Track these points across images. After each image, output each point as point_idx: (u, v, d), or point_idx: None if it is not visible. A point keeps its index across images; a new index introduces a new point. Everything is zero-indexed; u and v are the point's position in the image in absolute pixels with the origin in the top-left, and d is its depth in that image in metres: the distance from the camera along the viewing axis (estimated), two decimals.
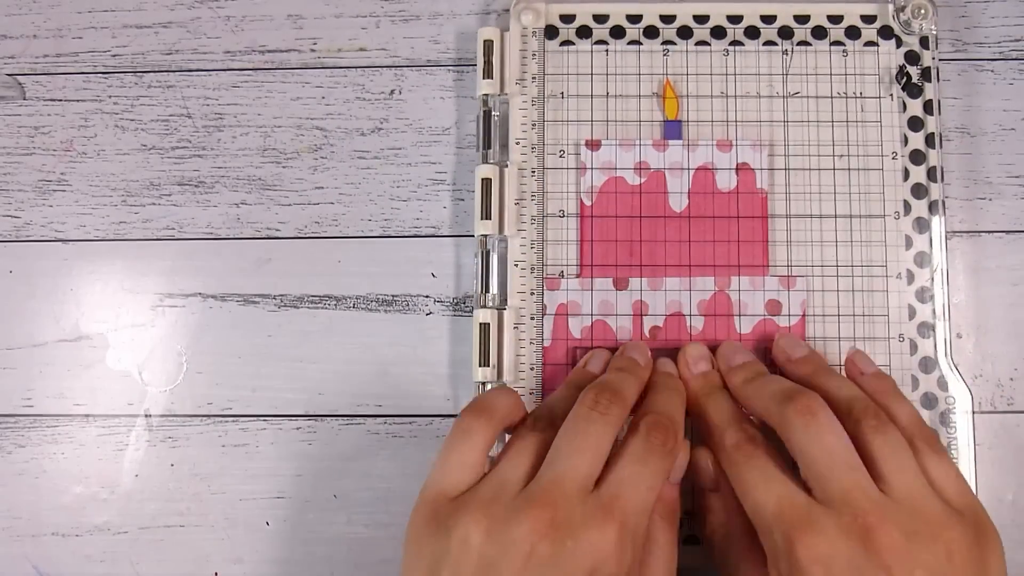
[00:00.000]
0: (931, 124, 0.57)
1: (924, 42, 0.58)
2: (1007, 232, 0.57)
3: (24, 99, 0.59)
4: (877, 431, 0.44)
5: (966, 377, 0.56)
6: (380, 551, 0.55)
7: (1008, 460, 0.56)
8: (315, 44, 0.59)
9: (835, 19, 0.58)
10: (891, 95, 0.57)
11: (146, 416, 0.56)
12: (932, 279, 0.55)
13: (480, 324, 0.55)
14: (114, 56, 0.59)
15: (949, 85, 0.59)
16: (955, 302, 0.57)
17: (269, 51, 0.59)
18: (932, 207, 0.56)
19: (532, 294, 0.56)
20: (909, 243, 0.56)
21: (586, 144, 0.57)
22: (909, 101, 0.57)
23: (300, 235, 0.57)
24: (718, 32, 0.58)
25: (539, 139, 0.58)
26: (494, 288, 0.56)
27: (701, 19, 0.58)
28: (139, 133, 0.58)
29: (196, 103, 0.59)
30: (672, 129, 0.57)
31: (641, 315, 0.55)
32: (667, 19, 0.58)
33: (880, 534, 0.41)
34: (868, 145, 0.57)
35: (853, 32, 0.58)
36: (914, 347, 0.55)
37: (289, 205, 0.57)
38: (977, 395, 0.56)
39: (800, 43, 0.58)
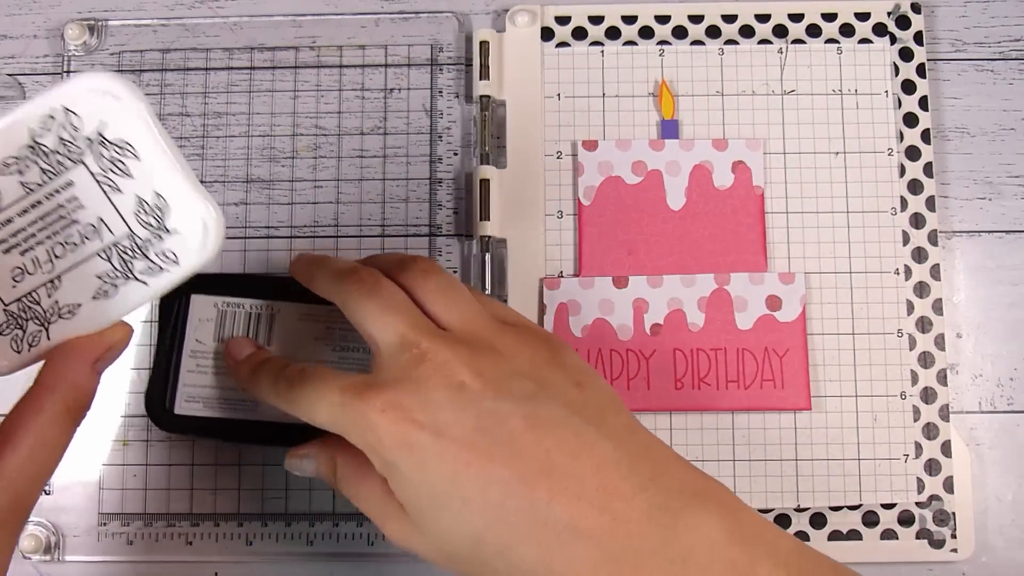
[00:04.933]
0: (926, 120, 0.60)
1: (918, 38, 0.61)
2: (1007, 232, 0.60)
3: (24, 99, 0.62)
4: (425, 275, 0.46)
5: (966, 377, 0.59)
6: None
7: (1008, 460, 0.58)
8: (314, 43, 0.61)
9: (829, 16, 0.61)
10: (886, 92, 0.60)
11: (147, 416, 0.58)
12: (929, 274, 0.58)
13: None
14: (113, 56, 0.61)
15: (949, 85, 0.61)
16: (955, 302, 0.59)
17: (268, 50, 0.61)
18: (928, 203, 0.59)
19: (532, 294, 0.59)
20: (906, 239, 0.59)
21: (583, 144, 0.60)
22: (904, 97, 0.60)
23: (299, 234, 0.59)
24: (712, 31, 0.61)
25: (536, 140, 0.60)
26: (494, 289, 0.58)
27: (696, 19, 0.61)
28: None
29: (195, 102, 0.61)
30: (668, 128, 0.60)
31: (641, 313, 0.58)
32: (662, 19, 0.61)
33: (431, 356, 0.42)
34: (863, 141, 0.60)
35: (847, 29, 0.61)
36: (912, 342, 0.58)
37: (288, 204, 0.60)
38: (977, 395, 0.59)
39: (794, 41, 0.61)
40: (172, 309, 0.54)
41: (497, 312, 0.47)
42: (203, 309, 0.54)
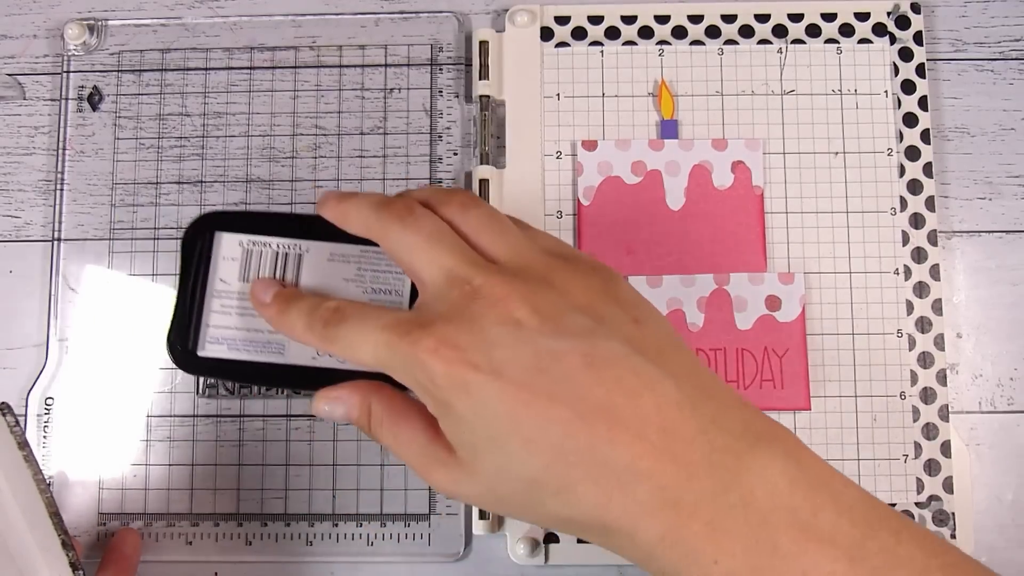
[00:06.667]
0: (926, 120, 0.60)
1: (918, 38, 0.61)
2: (1007, 232, 0.60)
3: (24, 99, 0.62)
4: (465, 209, 0.44)
5: (966, 377, 0.59)
6: None
7: (1008, 460, 0.58)
8: (314, 43, 0.62)
9: (829, 16, 0.61)
10: (885, 92, 0.60)
11: (147, 416, 0.58)
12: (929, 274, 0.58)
13: None
14: (113, 55, 0.62)
15: (949, 85, 0.62)
16: (955, 302, 0.59)
17: (268, 50, 0.61)
18: (928, 203, 0.59)
19: None
20: (906, 239, 0.59)
21: (582, 144, 0.60)
22: (904, 97, 0.60)
23: None
24: (712, 31, 0.61)
25: (536, 140, 0.61)
26: None
27: (695, 19, 0.61)
28: (138, 132, 0.61)
29: (195, 102, 0.61)
30: (668, 128, 0.60)
31: None
32: (661, 19, 0.61)
33: (484, 291, 0.41)
34: (863, 141, 0.60)
35: (847, 29, 0.61)
36: (912, 342, 0.58)
37: (289, 204, 0.60)
38: (977, 395, 0.59)
39: (794, 41, 0.61)
40: (195, 247, 0.53)
41: (546, 244, 0.45)
42: (228, 247, 0.52)
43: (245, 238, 0.52)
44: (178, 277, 0.52)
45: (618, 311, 0.42)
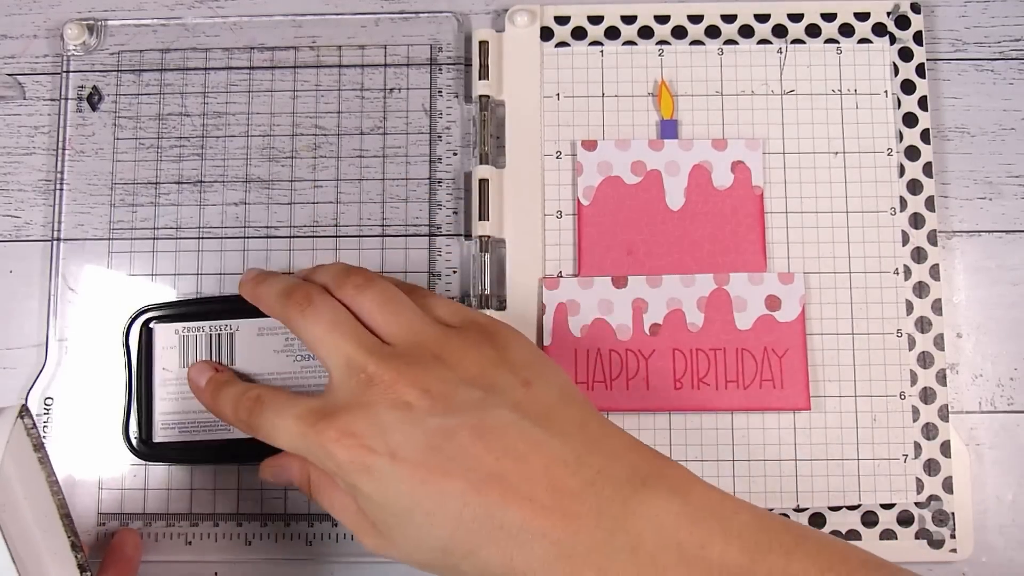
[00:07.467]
0: (925, 120, 0.60)
1: (918, 38, 0.61)
2: (1007, 232, 0.60)
3: (24, 99, 0.62)
4: (360, 291, 0.48)
5: (966, 377, 0.59)
6: None
7: (1008, 460, 0.58)
8: (314, 43, 0.61)
9: (828, 16, 0.61)
10: (885, 92, 0.60)
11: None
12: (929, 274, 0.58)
13: None
14: (113, 55, 0.61)
15: (949, 85, 0.62)
16: (955, 302, 0.59)
17: (268, 50, 0.61)
18: (928, 203, 0.59)
19: (531, 294, 0.59)
20: (905, 239, 0.59)
21: (582, 144, 0.60)
22: (904, 97, 0.60)
23: (299, 234, 0.59)
24: (712, 31, 0.61)
25: (536, 140, 0.61)
26: (493, 289, 0.58)
27: (695, 19, 0.61)
28: (138, 132, 0.60)
29: (195, 102, 0.61)
30: (668, 128, 0.60)
31: (641, 313, 0.58)
32: (661, 19, 0.61)
33: (377, 379, 0.44)
34: (863, 141, 0.60)
35: (847, 29, 0.61)
36: (912, 342, 0.58)
37: (288, 204, 0.60)
38: (977, 395, 0.59)
39: (794, 41, 0.61)
40: (136, 342, 0.57)
41: (439, 313, 0.49)
42: (165, 337, 0.57)
43: (180, 326, 0.57)
44: (125, 372, 0.57)
45: (508, 376, 0.46)
